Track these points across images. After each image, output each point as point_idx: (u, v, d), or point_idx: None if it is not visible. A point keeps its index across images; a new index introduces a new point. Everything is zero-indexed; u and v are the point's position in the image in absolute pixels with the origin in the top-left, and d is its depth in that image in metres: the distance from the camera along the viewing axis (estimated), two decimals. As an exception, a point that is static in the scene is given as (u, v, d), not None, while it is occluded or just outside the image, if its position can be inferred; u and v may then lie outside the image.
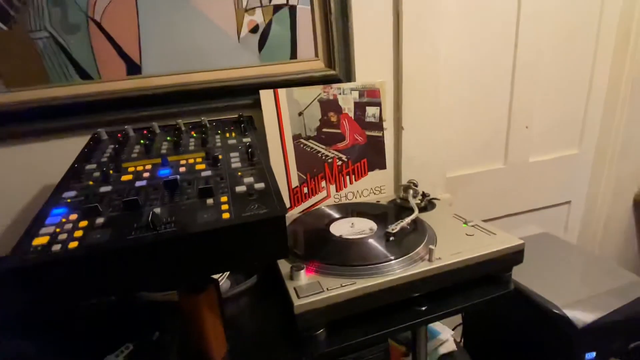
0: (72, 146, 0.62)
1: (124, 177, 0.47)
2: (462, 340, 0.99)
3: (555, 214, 1.22)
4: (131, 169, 0.49)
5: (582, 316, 0.66)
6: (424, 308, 0.51)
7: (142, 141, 0.58)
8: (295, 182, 0.74)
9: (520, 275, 0.57)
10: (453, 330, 0.83)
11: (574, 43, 1.05)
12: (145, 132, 0.63)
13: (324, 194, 0.77)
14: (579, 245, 1.23)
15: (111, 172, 0.48)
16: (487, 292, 0.55)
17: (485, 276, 0.55)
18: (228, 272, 0.60)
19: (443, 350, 0.77)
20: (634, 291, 0.71)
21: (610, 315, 0.67)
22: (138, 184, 0.45)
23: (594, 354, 0.68)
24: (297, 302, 0.44)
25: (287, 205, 0.73)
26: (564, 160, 1.16)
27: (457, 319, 0.99)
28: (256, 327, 0.51)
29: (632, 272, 0.77)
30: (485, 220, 0.62)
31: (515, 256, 0.55)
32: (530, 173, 1.12)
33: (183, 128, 0.63)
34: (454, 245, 0.54)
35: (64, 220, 0.39)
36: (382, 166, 0.81)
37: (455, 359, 0.77)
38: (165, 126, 0.65)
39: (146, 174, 0.47)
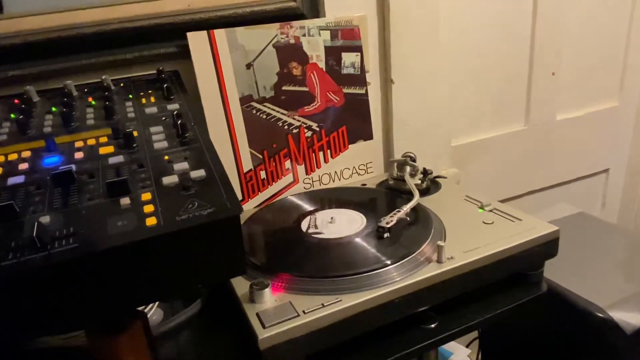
0: None
1: (-12, 172, 0.44)
2: (479, 358, 1.04)
3: (589, 186, 1.29)
4: (-1, 159, 0.46)
5: (630, 318, 0.71)
6: (433, 325, 0.53)
7: (12, 115, 0.55)
8: (247, 165, 0.73)
9: (550, 270, 0.60)
10: (467, 347, 0.86)
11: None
12: (16, 101, 0.60)
13: (289, 178, 0.76)
14: (621, 226, 1.31)
15: (-33, 164, 0.44)
16: (513, 297, 0.58)
17: (509, 276, 0.57)
18: (159, 299, 0.59)
19: (457, 375, 0.80)
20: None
21: (665, 314, 0.72)
22: (11, 181, 0.43)
23: (645, 364, 0.74)
24: (262, 333, 0.44)
25: (239, 197, 0.72)
26: (601, 116, 1.22)
27: (473, 332, 1.03)
28: (205, 372, 0.50)
29: (686, 256, 0.84)
30: (502, 201, 0.64)
31: (547, 247, 0.58)
32: (558, 135, 1.17)
33: (75, 93, 0.62)
34: (468, 238, 0.56)
35: None
36: (368, 136, 0.82)
37: (473, 385, 0.81)
38: (46, 91, 0.63)
39: (23, 165, 0.45)
